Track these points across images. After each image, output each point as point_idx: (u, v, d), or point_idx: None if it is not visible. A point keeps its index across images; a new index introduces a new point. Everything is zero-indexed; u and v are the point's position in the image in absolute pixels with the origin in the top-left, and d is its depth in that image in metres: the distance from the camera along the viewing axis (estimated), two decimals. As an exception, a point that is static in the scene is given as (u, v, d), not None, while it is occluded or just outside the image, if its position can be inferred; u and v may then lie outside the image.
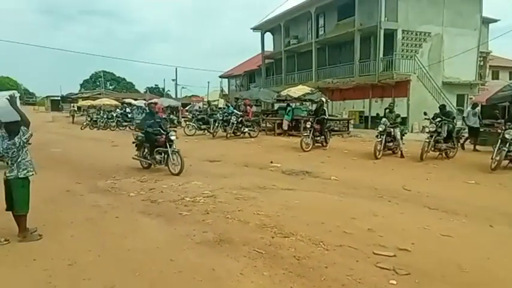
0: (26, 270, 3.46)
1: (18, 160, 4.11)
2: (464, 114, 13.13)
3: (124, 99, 35.38)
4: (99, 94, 47.90)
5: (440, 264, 3.65)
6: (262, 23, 30.92)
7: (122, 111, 24.29)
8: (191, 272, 3.40)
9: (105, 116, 23.82)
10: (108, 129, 22.38)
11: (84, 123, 24.60)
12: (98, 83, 67.84)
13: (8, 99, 4.24)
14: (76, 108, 36.06)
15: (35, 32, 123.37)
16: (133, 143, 9.14)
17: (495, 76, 29.77)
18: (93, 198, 6.07)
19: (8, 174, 4.12)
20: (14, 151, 4.07)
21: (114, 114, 23.60)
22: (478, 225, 4.91)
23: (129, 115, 23.23)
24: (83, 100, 42.12)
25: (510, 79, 29.17)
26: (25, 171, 4.15)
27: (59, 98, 56.29)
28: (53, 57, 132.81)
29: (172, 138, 8.28)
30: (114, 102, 31.93)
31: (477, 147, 12.22)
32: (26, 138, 4.18)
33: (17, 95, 4.52)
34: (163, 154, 8.34)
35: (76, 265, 3.54)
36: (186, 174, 8.05)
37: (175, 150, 8.20)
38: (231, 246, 4.02)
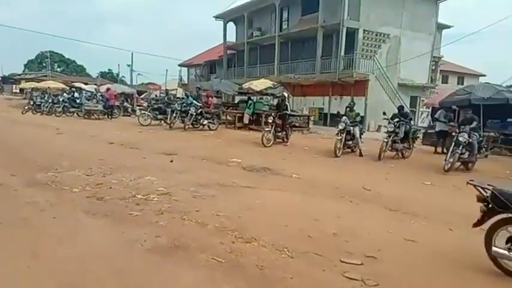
0: None
1: None
2: (436, 115, 12.92)
3: (73, 83, 33.05)
4: (45, 76, 44.37)
5: (408, 272, 3.51)
6: (225, 12, 30.22)
7: (70, 96, 22.53)
8: None
9: (50, 100, 21.88)
10: (54, 114, 20.68)
11: (26, 107, 22.55)
12: (45, 64, 62.94)
13: None
14: (18, 91, 33.16)
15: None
16: None
17: (445, 80, 31.60)
18: (29, 194, 5.33)
19: None
20: None
21: (61, 99, 21.76)
22: (438, 229, 4.89)
23: (78, 100, 21.61)
24: (26, 82, 38.79)
25: (458, 83, 31.09)
26: None
27: (0, 79, 51.53)
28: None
29: None
30: (62, 86, 29.70)
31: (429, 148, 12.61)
32: None
33: None
34: None
35: (-2, 279, 2.95)
36: (138, 168, 7.44)
37: None
38: (187, 253, 3.61)
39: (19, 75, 51.48)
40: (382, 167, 9.42)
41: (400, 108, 11.51)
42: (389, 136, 10.35)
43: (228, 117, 18.64)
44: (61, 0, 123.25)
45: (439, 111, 12.92)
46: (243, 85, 18.60)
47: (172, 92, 23.57)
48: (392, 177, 8.31)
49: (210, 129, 15.62)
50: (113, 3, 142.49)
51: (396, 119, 10.71)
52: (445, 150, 11.98)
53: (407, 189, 7.15)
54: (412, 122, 12.65)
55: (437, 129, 12.44)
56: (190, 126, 15.36)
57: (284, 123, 12.34)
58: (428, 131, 14.54)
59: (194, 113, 15.22)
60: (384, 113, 11.15)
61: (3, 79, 50.67)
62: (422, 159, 10.77)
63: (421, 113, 22.64)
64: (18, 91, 39.93)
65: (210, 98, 16.77)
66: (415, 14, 21.95)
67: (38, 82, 32.68)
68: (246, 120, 16.96)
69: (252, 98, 18.21)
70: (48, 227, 4.11)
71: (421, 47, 21.68)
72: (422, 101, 21.86)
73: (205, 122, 15.59)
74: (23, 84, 37.36)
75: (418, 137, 12.75)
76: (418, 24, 22.10)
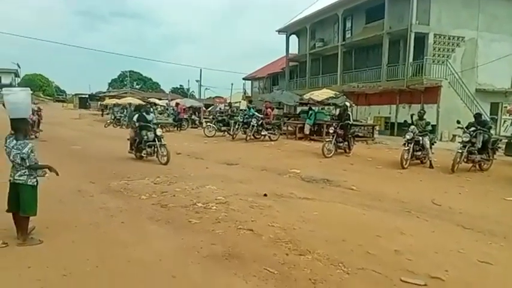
0: (18, 280, 3.21)
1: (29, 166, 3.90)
2: None
3: (149, 99, 35.74)
4: (126, 93, 48.65)
5: (480, 298, 3.15)
6: (287, 25, 30.56)
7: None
8: (193, 292, 3.05)
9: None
10: (131, 128, 22.51)
11: (108, 121, 24.90)
12: (125, 82, 69.25)
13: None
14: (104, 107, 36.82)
15: (69, 32, 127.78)
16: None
17: (532, 84, 28.11)
18: (103, 200, 5.85)
19: (16, 178, 3.91)
20: (21, 158, 3.86)
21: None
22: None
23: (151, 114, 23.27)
24: (109, 98, 42.91)
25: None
26: (34, 180, 3.95)
27: (87, 96, 57.77)
28: (84, 56, 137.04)
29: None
30: (138, 102, 32.26)
31: None
32: (29, 151, 3.90)
33: (30, 92, 4.32)
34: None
35: (70, 276, 3.26)
36: (201, 177, 7.76)
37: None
38: (240, 262, 3.65)
39: (103, 93, 57.12)
40: (455, 180, 8.63)
41: (477, 115, 10.50)
42: (465, 146, 9.46)
43: (289, 128, 18.63)
44: (137, 25, 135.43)
45: None
46: (304, 95, 18.51)
47: (236, 105, 24.22)
48: (467, 191, 7.57)
49: (271, 140, 15.75)
50: (181, 24, 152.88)
51: (473, 128, 9.77)
52: None
53: (484, 206, 6.45)
54: (492, 131, 11.42)
55: None
56: (252, 137, 15.66)
57: (346, 133, 11.98)
58: (512, 140, 13.00)
59: (255, 124, 15.50)
60: (458, 122, 10.27)
61: (90, 96, 56.74)
62: (504, 172, 9.64)
63: (504, 121, 20.31)
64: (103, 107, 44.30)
65: (269, 110, 16.96)
66: (493, 14, 20.04)
67: (119, 99, 35.94)
68: (306, 131, 16.80)
69: (313, 108, 18.01)
70: (116, 231, 4.45)
71: (501, 49, 19.62)
72: (505, 107, 19.63)
73: (266, 132, 15.77)
74: (107, 101, 41.35)
75: (500, 148, 11.43)
76: (497, 25, 20.11)
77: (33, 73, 68.98)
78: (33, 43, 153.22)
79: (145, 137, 9.83)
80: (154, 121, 10.72)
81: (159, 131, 9.95)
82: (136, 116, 10.49)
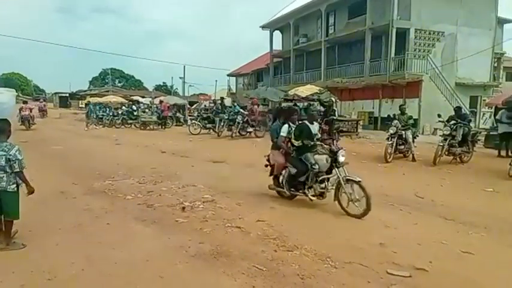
0: (1, 286, 3.13)
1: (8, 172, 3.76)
2: (498, 117, 11.93)
3: (132, 97, 35.21)
4: (107, 91, 47.80)
5: (462, 287, 3.24)
6: (271, 21, 30.54)
7: (128, 109, 24.05)
8: (181, 292, 3.04)
9: (110, 114, 23.65)
10: (113, 126, 22.19)
11: (89, 122, 24.44)
12: (107, 80, 68.02)
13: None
14: (84, 105, 36.06)
15: (48, 30, 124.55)
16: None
17: (509, 78, 28.99)
18: (87, 201, 5.74)
19: None
20: (7, 159, 3.72)
21: (120, 112, 23.39)
22: (499, 240, 4.47)
23: (135, 113, 22.97)
24: (90, 97, 42.08)
25: (525, 81, 28.33)
26: (14, 186, 3.81)
27: (67, 95, 56.51)
28: (63, 54, 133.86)
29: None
30: (121, 100, 31.74)
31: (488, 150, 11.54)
32: (16, 153, 3.76)
33: (15, 94, 4.20)
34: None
35: (56, 280, 3.20)
36: (187, 176, 7.71)
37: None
38: (229, 260, 3.66)
39: (84, 91, 56.04)
40: (437, 173, 8.83)
41: (458, 109, 10.77)
42: (446, 140, 9.69)
43: (275, 124, 18.63)
44: (118, 21, 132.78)
45: (500, 112, 11.82)
46: (289, 92, 18.57)
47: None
48: (448, 183, 7.77)
49: (257, 137, 15.76)
50: (164, 21, 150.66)
51: (453, 121, 10.01)
52: (510, 154, 11.03)
53: (465, 197, 6.63)
54: (472, 124, 11.71)
55: (500, 131, 11.40)
56: (238, 134, 15.62)
57: (331, 128, 12.11)
58: (491, 133, 13.38)
59: (241, 121, 15.48)
60: (439, 115, 10.51)
61: (71, 95, 55.54)
62: (483, 164, 9.93)
63: (483, 114, 20.93)
64: (84, 106, 43.37)
65: (255, 106, 16.95)
66: (472, 9, 20.49)
67: (101, 97, 35.25)
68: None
69: (298, 104, 18.09)
70: (101, 233, 4.38)
71: (480, 43, 20.11)
72: (484, 100, 20.20)
73: (251, 129, 15.77)
74: (88, 99, 40.53)
75: (479, 140, 11.75)
76: (476, 20, 20.58)
77: (11, 72, 67.09)
78: (8, 41, 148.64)
79: (315, 166, 5.50)
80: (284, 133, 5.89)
81: (342, 154, 5.43)
82: (294, 128, 5.85)
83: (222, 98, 21.52)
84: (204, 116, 18.47)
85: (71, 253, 3.76)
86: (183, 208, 5.36)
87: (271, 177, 6.18)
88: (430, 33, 20.09)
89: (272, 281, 3.25)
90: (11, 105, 4.05)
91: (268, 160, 6.24)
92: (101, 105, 27.55)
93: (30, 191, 3.89)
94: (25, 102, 21.57)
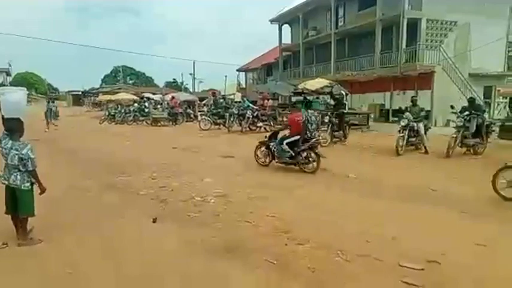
0: (21, 280, 3.22)
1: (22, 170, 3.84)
2: None
3: (143, 93, 35.51)
4: (119, 89, 48.25)
5: (476, 281, 3.21)
6: (280, 15, 30.31)
7: (140, 106, 24.27)
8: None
9: (122, 111, 23.93)
10: (126, 123, 22.44)
11: (103, 118, 24.77)
12: (119, 78, 68.64)
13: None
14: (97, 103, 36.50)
15: (61, 29, 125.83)
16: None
17: (525, 67, 28.21)
18: (101, 197, 5.85)
19: (11, 182, 3.86)
20: (20, 158, 3.80)
21: (132, 109, 23.63)
22: (515, 232, 4.41)
23: (146, 110, 23.17)
24: (103, 95, 42.54)
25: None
26: (28, 184, 3.90)
27: (80, 93, 57.23)
28: (76, 53, 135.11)
29: None
30: (132, 97, 32.06)
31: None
32: (29, 153, 3.82)
33: (26, 92, 4.27)
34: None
35: (76, 273, 3.28)
36: (198, 171, 7.78)
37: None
38: (241, 254, 3.69)
39: (97, 89, 56.63)
40: (450, 165, 8.72)
41: (471, 100, 10.59)
42: (459, 131, 9.55)
43: (285, 118, 18.61)
44: (129, 19, 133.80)
45: None
46: (298, 85, 18.48)
47: (231, 97, 24.08)
48: (462, 175, 7.65)
49: (267, 131, 15.72)
50: (176, 18, 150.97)
51: (466, 112, 9.84)
52: None
53: (480, 189, 6.49)
54: (486, 115, 11.49)
55: None
56: (248, 128, 15.64)
57: (341, 122, 12.02)
58: (506, 123, 13.11)
59: (250, 116, 15.49)
60: (452, 107, 10.34)
61: (84, 93, 56.23)
62: (498, 155, 9.70)
63: (498, 104, 20.49)
64: (96, 104, 43.91)
65: (266, 101, 16.92)
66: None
67: (113, 95, 35.62)
68: (302, 121, 16.76)
69: (307, 97, 17.98)
70: (115, 228, 4.45)
71: (494, 33, 19.60)
72: (498, 90, 19.74)
73: (261, 124, 15.76)
74: (100, 97, 40.99)
75: (494, 131, 11.53)
76: (489, 9, 20.03)
77: (25, 71, 68.17)
78: (23, 41, 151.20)
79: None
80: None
81: None
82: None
83: (213, 93, 21.54)
84: (214, 111, 18.53)
85: (87, 248, 3.85)
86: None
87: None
88: (442, 23, 19.68)
89: (283, 275, 3.27)
90: (23, 104, 4.11)
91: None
92: (113, 102, 27.87)
93: (42, 191, 3.96)
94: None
